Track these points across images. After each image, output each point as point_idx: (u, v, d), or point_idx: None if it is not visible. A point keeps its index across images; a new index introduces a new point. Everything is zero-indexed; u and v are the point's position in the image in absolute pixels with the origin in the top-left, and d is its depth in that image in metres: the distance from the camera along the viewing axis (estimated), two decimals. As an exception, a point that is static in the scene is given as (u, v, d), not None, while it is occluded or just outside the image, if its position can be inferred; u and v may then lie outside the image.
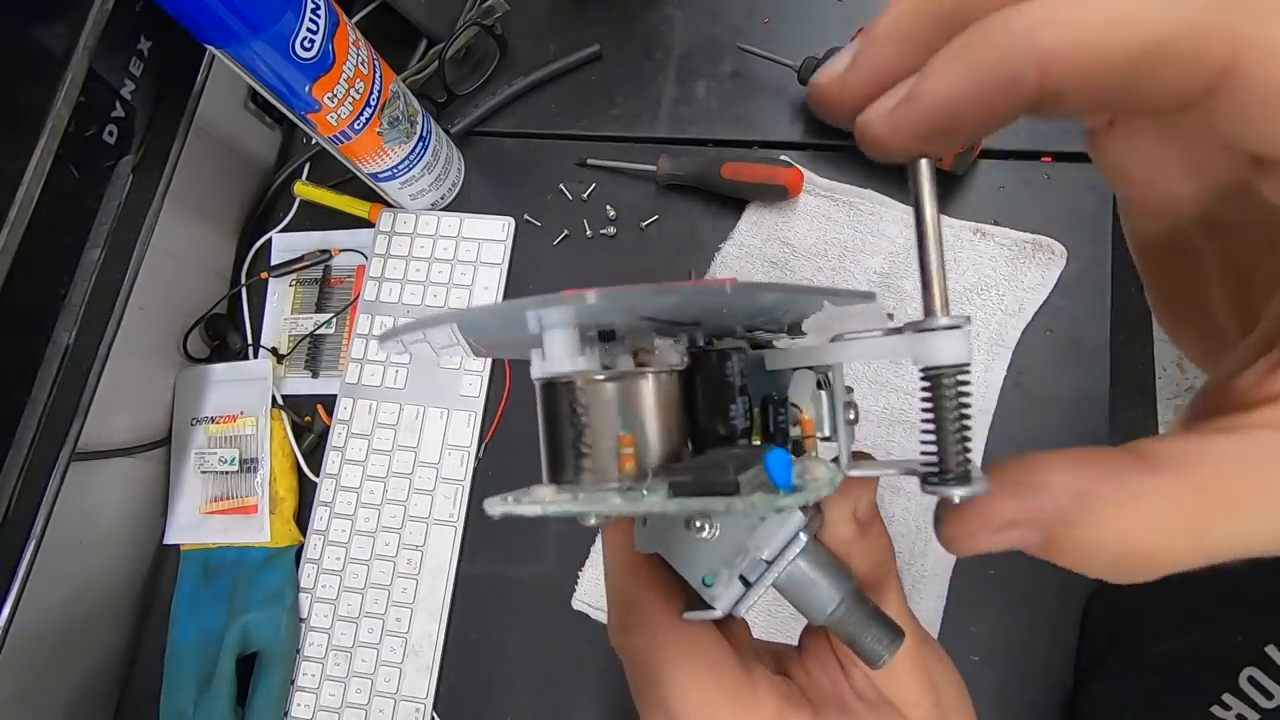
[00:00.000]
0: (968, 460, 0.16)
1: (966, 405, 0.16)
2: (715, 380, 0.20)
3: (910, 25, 0.15)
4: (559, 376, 0.17)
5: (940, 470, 0.16)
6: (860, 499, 0.21)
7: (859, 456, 0.20)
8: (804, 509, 0.20)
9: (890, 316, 0.18)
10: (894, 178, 0.57)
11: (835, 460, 0.20)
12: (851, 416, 0.21)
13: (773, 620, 0.52)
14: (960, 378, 0.16)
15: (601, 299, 0.14)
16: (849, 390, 0.21)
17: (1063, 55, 0.13)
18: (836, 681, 0.23)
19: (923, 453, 0.17)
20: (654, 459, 0.18)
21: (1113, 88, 0.13)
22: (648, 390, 0.18)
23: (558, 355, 0.17)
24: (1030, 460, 0.16)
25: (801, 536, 0.20)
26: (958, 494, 0.16)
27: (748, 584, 0.20)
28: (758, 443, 0.21)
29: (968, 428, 0.16)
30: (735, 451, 0.19)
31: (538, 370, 0.18)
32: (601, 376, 0.17)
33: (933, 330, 0.16)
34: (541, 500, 0.17)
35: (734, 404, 0.20)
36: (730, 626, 0.24)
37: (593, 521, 0.17)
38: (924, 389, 0.17)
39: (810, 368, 0.21)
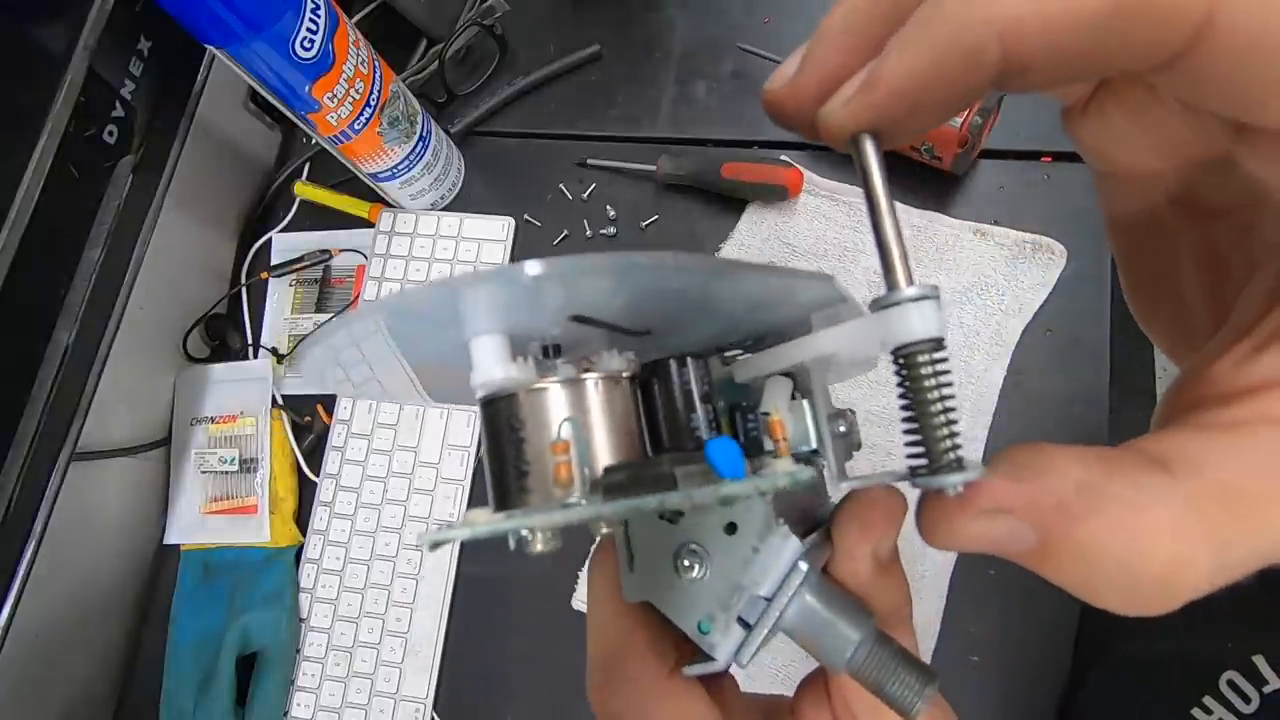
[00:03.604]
0: (957, 446, 0.15)
1: (948, 385, 0.15)
2: (672, 387, 0.19)
3: (860, 17, 0.14)
4: (497, 390, 0.16)
5: (928, 462, 0.15)
6: (883, 537, 0.19)
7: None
8: (803, 537, 0.18)
9: (844, 300, 0.17)
10: (896, 178, 0.57)
11: (808, 463, 0.18)
12: (843, 429, 0.18)
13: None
14: (936, 355, 0.15)
15: (544, 272, 0.13)
16: (847, 410, 0.19)
17: (1024, 20, 0.12)
18: None
19: (907, 444, 0.15)
20: (599, 469, 0.16)
21: (1081, 52, 0.12)
22: (591, 395, 0.17)
23: (486, 363, 0.16)
24: (1033, 446, 0.14)
25: (801, 565, 0.18)
26: (946, 482, 0.14)
27: (748, 626, 0.18)
28: None
29: (951, 409, 0.15)
30: (683, 455, 0.17)
31: (473, 380, 0.16)
32: (540, 385, 0.16)
33: (897, 304, 0.14)
34: (472, 522, 0.15)
35: (694, 412, 0.18)
36: (719, 683, 0.21)
37: (539, 547, 0.16)
38: (898, 373, 0.15)
39: (781, 374, 0.19)
